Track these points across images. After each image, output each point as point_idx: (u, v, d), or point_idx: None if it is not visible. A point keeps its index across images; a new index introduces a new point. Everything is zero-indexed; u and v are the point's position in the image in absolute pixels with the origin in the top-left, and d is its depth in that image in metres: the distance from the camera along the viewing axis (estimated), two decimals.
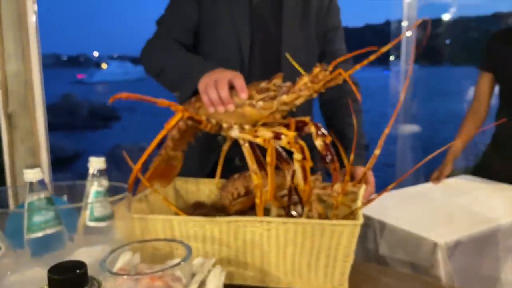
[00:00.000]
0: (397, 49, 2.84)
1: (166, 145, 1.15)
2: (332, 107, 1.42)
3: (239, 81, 1.00)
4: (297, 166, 0.94)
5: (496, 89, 2.14)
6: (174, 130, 1.13)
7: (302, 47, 1.36)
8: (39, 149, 2.59)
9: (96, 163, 0.79)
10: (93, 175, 0.79)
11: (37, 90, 2.57)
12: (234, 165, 1.40)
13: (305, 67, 1.29)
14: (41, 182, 0.73)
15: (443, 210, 1.74)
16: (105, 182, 0.80)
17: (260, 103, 0.99)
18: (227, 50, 1.32)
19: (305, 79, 1.02)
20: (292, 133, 0.95)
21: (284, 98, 1.00)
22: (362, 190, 1.11)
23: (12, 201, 1.03)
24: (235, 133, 1.03)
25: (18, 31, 2.47)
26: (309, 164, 0.94)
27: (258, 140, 0.97)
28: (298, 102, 1.01)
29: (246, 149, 1.05)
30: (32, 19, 2.50)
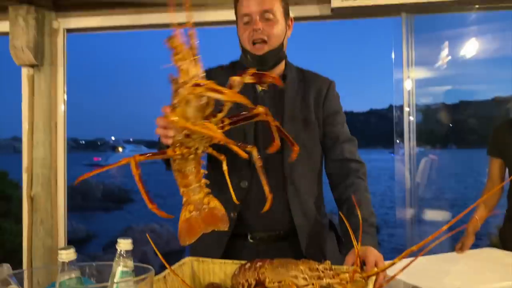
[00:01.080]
0: (401, 133, 2.96)
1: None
2: (341, 186, 1.39)
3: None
4: None
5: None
6: None
7: (302, 130, 1.41)
8: (57, 231, 2.67)
9: (123, 245, 0.87)
10: (120, 255, 0.87)
11: (60, 174, 2.71)
12: (248, 242, 1.42)
13: (306, 148, 1.38)
14: (73, 263, 0.80)
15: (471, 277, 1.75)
16: (130, 263, 0.87)
17: None
18: (236, 136, 1.42)
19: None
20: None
21: None
22: (373, 279, 1.10)
23: (27, 283, 1.03)
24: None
25: (48, 120, 2.67)
26: None
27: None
28: None
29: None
30: (61, 108, 2.73)
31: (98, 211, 15.54)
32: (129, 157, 1.05)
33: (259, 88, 1.43)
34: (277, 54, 1.36)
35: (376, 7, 2.34)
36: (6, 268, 0.77)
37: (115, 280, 0.84)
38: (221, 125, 1.07)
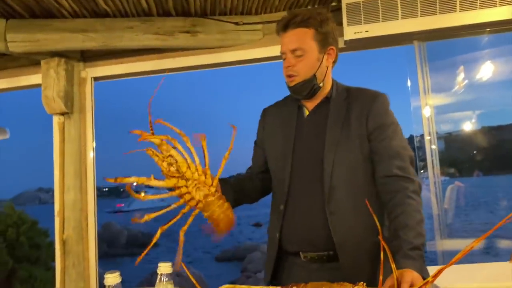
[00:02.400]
0: (424, 163, 2.93)
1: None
2: (389, 205, 1.36)
3: None
4: None
5: None
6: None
7: (344, 150, 1.43)
8: (89, 274, 2.71)
9: (163, 268, 0.91)
10: (161, 279, 0.90)
11: (90, 217, 2.78)
12: (300, 261, 1.46)
13: (348, 169, 1.42)
14: (118, 286, 0.85)
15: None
16: (170, 286, 0.91)
17: None
18: (276, 162, 1.54)
19: None
20: None
21: None
22: None
23: None
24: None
25: (78, 165, 2.78)
26: None
27: None
28: None
29: None
30: (90, 155, 2.83)
31: (123, 257, 15.54)
32: (158, 231, 1.21)
33: (306, 112, 1.54)
34: (309, 85, 1.47)
35: (388, 37, 2.41)
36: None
37: None
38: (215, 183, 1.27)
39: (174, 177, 1.20)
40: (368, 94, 1.50)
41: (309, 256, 1.44)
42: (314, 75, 1.47)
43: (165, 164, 1.19)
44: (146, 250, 1.21)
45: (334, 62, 1.53)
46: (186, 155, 1.22)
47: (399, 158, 1.40)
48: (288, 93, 1.59)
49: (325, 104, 1.51)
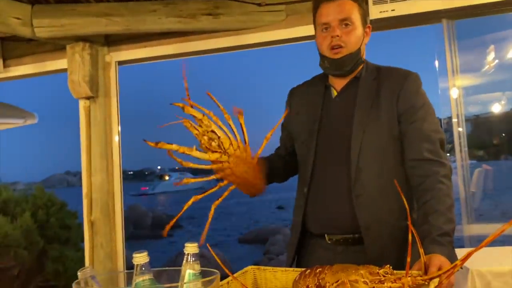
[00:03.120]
0: (452, 146, 2.87)
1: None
2: (418, 190, 1.33)
3: None
4: None
5: None
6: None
7: (372, 131, 1.40)
8: (116, 255, 2.79)
9: (190, 248, 0.92)
10: (188, 259, 0.92)
11: (117, 199, 2.85)
12: (325, 242, 1.44)
13: (377, 150, 1.40)
14: (146, 265, 0.86)
15: None
16: (197, 266, 0.92)
17: None
18: (301, 143, 1.51)
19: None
20: None
21: None
22: (436, 282, 1.07)
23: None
24: None
25: (104, 148, 2.83)
26: None
27: None
28: None
29: None
30: (115, 138, 2.88)
31: (148, 239, 15.91)
32: (191, 199, 1.20)
33: (334, 93, 1.50)
34: (354, 59, 1.42)
35: (415, 16, 2.34)
36: (89, 270, 0.84)
37: (185, 282, 0.89)
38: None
39: (216, 151, 1.19)
40: (399, 73, 1.45)
41: (334, 239, 1.43)
42: (359, 49, 1.42)
43: (205, 138, 1.17)
44: (179, 214, 1.24)
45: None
46: (228, 132, 1.20)
47: (430, 141, 1.36)
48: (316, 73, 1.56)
49: (354, 83, 1.46)
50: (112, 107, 2.87)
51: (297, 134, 1.55)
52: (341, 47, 1.39)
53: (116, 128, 2.88)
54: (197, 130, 1.18)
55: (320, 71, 1.54)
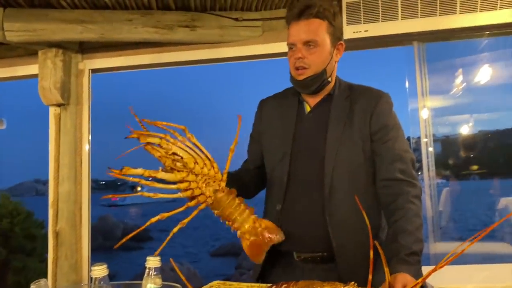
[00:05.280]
0: (420, 165, 2.92)
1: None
2: (389, 209, 1.33)
3: None
4: None
5: None
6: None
7: (346, 150, 1.39)
8: (81, 266, 2.71)
9: (152, 262, 0.91)
10: (149, 273, 0.90)
11: (84, 209, 2.78)
12: (294, 260, 1.42)
13: (349, 168, 1.39)
14: (105, 279, 0.84)
15: None
16: (159, 280, 0.91)
17: None
18: (274, 158, 1.48)
19: None
20: None
21: None
22: None
23: None
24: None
25: (73, 157, 2.77)
26: None
27: None
28: None
29: None
30: (86, 147, 2.83)
31: (118, 251, 15.55)
32: (158, 216, 1.20)
33: (307, 108, 1.49)
34: (319, 80, 1.42)
35: (387, 37, 2.40)
36: (44, 282, 0.81)
37: None
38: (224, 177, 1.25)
39: (182, 171, 1.17)
40: (373, 92, 1.46)
41: (302, 256, 1.42)
42: (325, 69, 1.41)
43: (169, 160, 1.15)
44: (141, 229, 1.21)
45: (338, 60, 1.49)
46: (193, 151, 1.18)
47: (401, 161, 1.37)
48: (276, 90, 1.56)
49: (327, 101, 1.47)
50: (84, 115, 2.82)
51: (269, 148, 1.53)
52: (304, 68, 1.39)
53: (87, 137, 2.82)
54: (159, 152, 1.16)
55: None
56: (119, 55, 2.80)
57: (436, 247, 2.84)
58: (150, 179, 1.19)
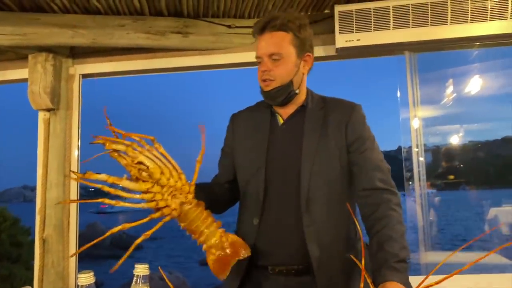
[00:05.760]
0: (411, 174, 2.92)
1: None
2: (371, 218, 1.32)
3: None
4: None
5: None
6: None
7: (322, 161, 1.39)
8: (68, 274, 2.66)
9: (140, 270, 0.88)
10: (137, 281, 0.88)
11: (72, 216, 2.73)
12: (269, 274, 1.40)
13: (325, 179, 1.38)
14: (91, 287, 0.82)
15: None
16: None
17: None
18: (248, 172, 1.46)
19: None
20: None
21: None
22: None
23: None
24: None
25: (62, 163, 2.73)
26: None
27: None
28: None
29: None
30: (75, 153, 2.79)
31: (107, 259, 15.36)
32: (119, 226, 1.17)
33: (280, 120, 1.48)
34: (285, 91, 1.41)
35: (379, 47, 2.41)
36: None
37: None
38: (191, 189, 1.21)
39: (147, 181, 1.14)
40: (346, 104, 1.47)
41: (277, 269, 1.40)
42: (291, 81, 1.41)
43: (134, 169, 1.13)
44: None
45: (309, 69, 1.48)
46: (160, 161, 1.15)
47: (380, 170, 1.38)
48: (259, 99, 1.54)
49: (300, 112, 1.47)
50: (73, 120, 2.78)
51: (243, 161, 1.51)
52: (270, 80, 1.41)
53: (76, 142, 2.79)
54: (125, 159, 1.13)
55: None
56: (110, 61, 2.78)
57: (427, 256, 2.83)
58: (115, 186, 1.16)
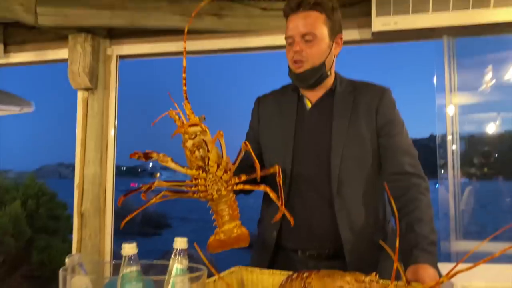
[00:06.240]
0: (444, 162, 2.87)
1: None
2: (400, 200, 1.30)
3: None
4: None
5: None
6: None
7: (352, 143, 1.37)
8: (104, 248, 2.78)
9: (179, 243, 0.93)
10: (176, 253, 0.92)
11: (109, 193, 2.84)
12: (298, 257, 1.42)
13: (356, 162, 1.39)
14: (135, 257, 0.87)
15: None
16: (185, 262, 0.93)
17: None
18: (274, 156, 1.44)
19: None
20: None
21: None
22: None
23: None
24: None
25: (99, 141, 2.83)
26: None
27: None
28: None
29: None
30: (111, 132, 2.88)
31: (137, 236, 15.84)
32: (161, 193, 1.23)
33: (308, 104, 1.47)
34: (317, 73, 1.40)
35: (417, 31, 2.36)
36: (77, 257, 0.84)
37: (172, 276, 0.90)
38: (232, 182, 1.21)
39: (197, 166, 1.16)
40: (376, 88, 1.45)
41: (307, 253, 1.42)
42: (324, 63, 1.39)
43: (191, 142, 1.12)
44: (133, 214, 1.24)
45: (338, 53, 1.47)
46: (217, 149, 1.16)
47: (410, 155, 1.38)
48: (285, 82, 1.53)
49: (329, 96, 1.45)
50: (110, 100, 2.87)
51: (269, 145, 1.50)
52: (302, 61, 1.38)
53: (113, 122, 2.88)
54: (184, 128, 1.12)
55: None
56: (147, 42, 2.83)
57: (458, 245, 2.81)
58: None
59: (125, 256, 0.86)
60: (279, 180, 1.22)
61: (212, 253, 1.31)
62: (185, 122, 1.13)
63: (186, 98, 1.14)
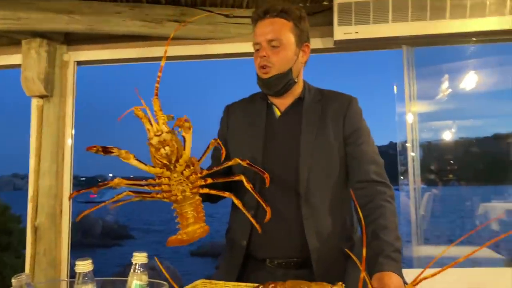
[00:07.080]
0: (405, 169, 2.93)
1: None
2: (366, 208, 1.32)
3: None
4: None
5: None
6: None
7: (321, 153, 1.38)
8: (60, 262, 2.64)
9: (138, 258, 0.88)
10: (135, 269, 0.87)
11: (65, 204, 2.71)
12: (266, 267, 1.40)
13: (324, 171, 1.38)
14: (90, 274, 0.81)
15: None
16: (145, 277, 0.88)
17: None
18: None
19: None
20: None
21: None
22: None
23: None
24: None
25: (55, 151, 2.70)
26: None
27: None
28: None
29: None
30: (68, 141, 2.76)
31: (97, 248, 15.33)
32: (122, 193, 1.18)
33: (277, 112, 1.46)
34: (284, 79, 1.39)
35: (377, 40, 2.41)
36: (25, 277, 0.78)
37: None
38: (198, 183, 1.21)
39: (161, 164, 1.12)
40: (344, 97, 1.46)
41: (276, 262, 1.40)
42: (290, 69, 1.39)
43: (156, 139, 1.08)
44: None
45: (306, 61, 1.47)
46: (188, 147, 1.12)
47: (375, 163, 1.39)
48: (254, 91, 1.52)
49: (298, 105, 1.45)
50: (67, 108, 2.75)
51: (237, 153, 1.45)
52: (268, 67, 1.38)
53: (70, 131, 2.76)
54: (151, 125, 1.09)
55: None
56: (105, 48, 2.74)
57: (419, 250, 2.86)
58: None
59: (79, 273, 0.80)
60: (250, 186, 1.23)
61: (170, 246, 1.30)
62: (152, 119, 1.09)
63: (157, 95, 1.10)
